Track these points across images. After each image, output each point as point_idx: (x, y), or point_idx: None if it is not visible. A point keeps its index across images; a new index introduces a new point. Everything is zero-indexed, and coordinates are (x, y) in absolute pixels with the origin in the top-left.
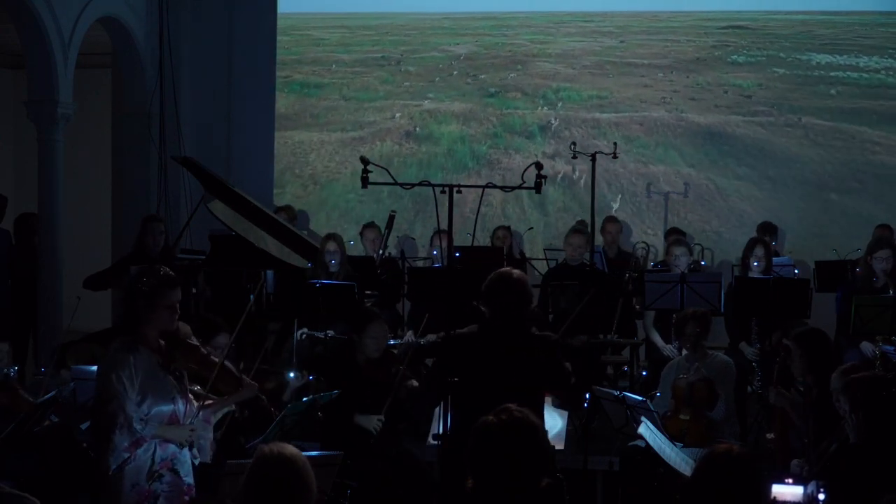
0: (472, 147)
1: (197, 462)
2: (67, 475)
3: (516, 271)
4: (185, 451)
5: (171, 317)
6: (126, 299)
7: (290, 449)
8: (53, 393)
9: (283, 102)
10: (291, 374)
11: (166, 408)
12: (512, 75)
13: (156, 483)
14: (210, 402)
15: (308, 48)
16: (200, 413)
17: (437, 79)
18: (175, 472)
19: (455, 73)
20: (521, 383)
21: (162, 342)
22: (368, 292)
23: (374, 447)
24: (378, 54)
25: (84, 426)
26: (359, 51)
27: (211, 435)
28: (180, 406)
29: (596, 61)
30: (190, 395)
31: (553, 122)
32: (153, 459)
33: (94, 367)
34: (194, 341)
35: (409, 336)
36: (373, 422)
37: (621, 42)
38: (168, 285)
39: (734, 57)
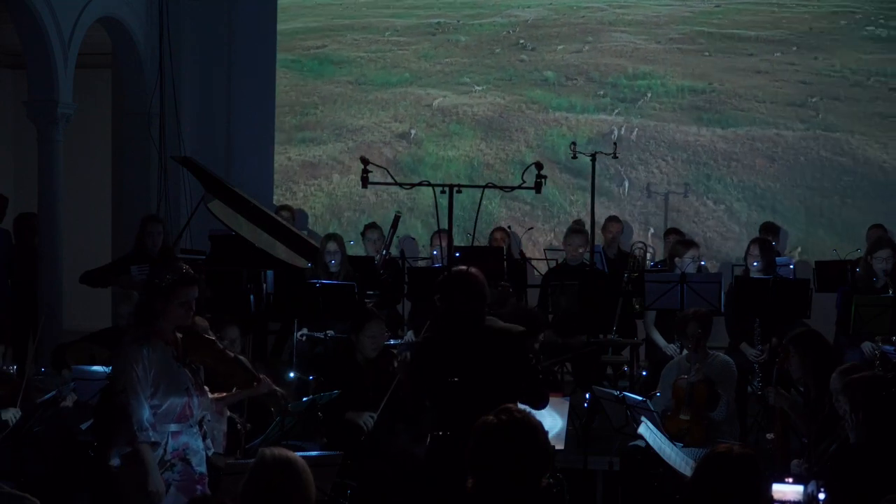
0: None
1: (210, 453)
2: (67, 475)
3: (472, 269)
4: (199, 440)
5: (187, 313)
6: (143, 293)
7: (288, 453)
8: (54, 393)
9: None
10: (291, 375)
11: (179, 400)
12: (576, 52)
13: (167, 472)
14: (224, 394)
15: (351, 9)
16: (213, 405)
17: (485, 53)
18: (187, 461)
19: (509, 45)
20: (484, 378)
21: (179, 335)
22: (370, 292)
23: (370, 445)
24: (434, 19)
25: (84, 426)
26: (416, 14)
27: (224, 427)
28: (194, 399)
29: (687, 32)
30: (205, 388)
31: (620, 134)
32: (165, 449)
33: (95, 367)
34: (211, 335)
35: (410, 336)
36: (364, 417)
37: (717, 7)
38: (185, 283)
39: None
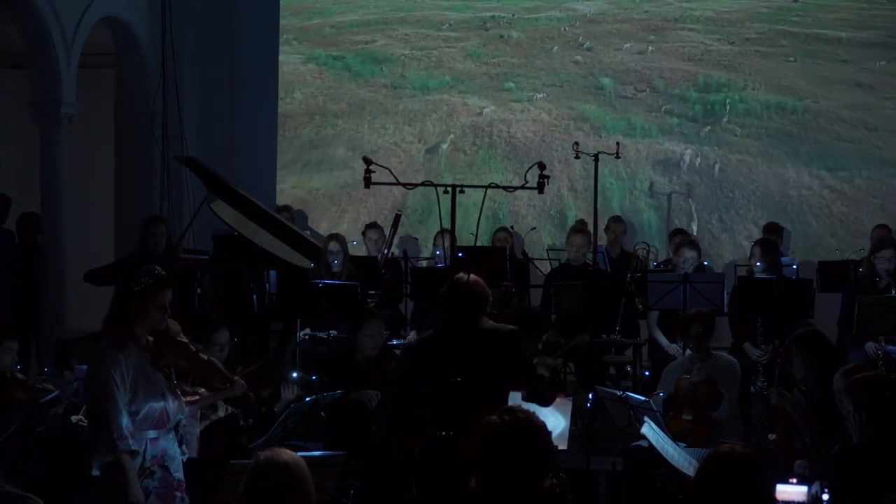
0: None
1: (185, 458)
2: (70, 475)
3: (472, 276)
4: (175, 446)
5: (162, 316)
6: (118, 297)
7: (286, 455)
8: (57, 392)
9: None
10: (294, 374)
11: (157, 405)
12: (638, 54)
13: (147, 480)
14: (196, 397)
15: (410, 1)
16: (188, 408)
17: (537, 52)
18: (165, 468)
19: (564, 43)
20: (480, 379)
21: (150, 339)
22: (372, 292)
23: (373, 441)
24: (489, 13)
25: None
26: (473, 7)
27: (198, 430)
28: (170, 403)
29: (766, 32)
30: (178, 392)
31: (693, 165)
32: (144, 456)
33: None
34: (183, 338)
35: (412, 336)
36: (369, 395)
37: (794, 1)
38: (161, 286)
39: None
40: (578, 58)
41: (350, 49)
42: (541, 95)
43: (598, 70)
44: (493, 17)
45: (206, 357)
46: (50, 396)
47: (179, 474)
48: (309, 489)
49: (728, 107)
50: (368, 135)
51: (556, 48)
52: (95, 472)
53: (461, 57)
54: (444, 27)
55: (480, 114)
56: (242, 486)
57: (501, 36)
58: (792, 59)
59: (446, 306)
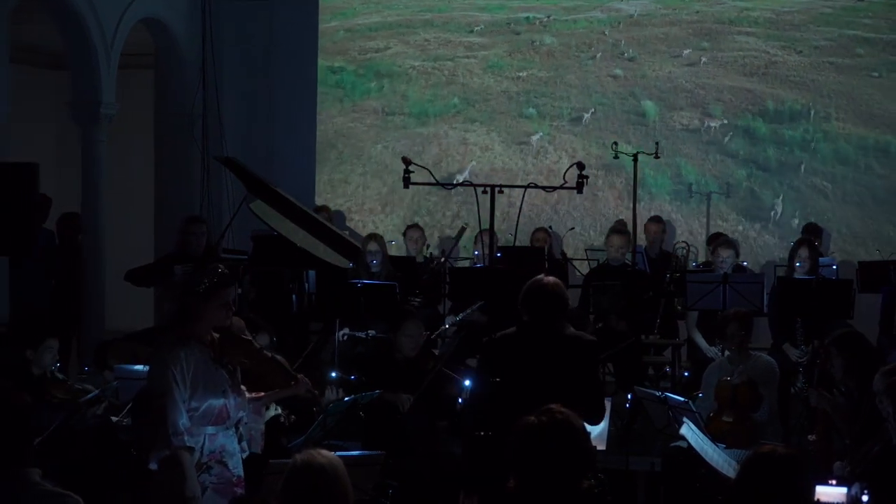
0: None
1: (246, 455)
2: (110, 474)
3: (551, 278)
4: (235, 442)
5: (227, 314)
6: (182, 295)
7: (321, 457)
8: (97, 392)
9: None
10: (333, 374)
11: (217, 402)
12: (688, 65)
13: (203, 475)
14: (262, 394)
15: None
16: (251, 405)
17: (571, 63)
18: (223, 463)
19: (603, 50)
20: (555, 383)
21: (215, 336)
22: (414, 297)
23: (410, 443)
24: (524, 13)
25: (126, 423)
26: (509, 7)
27: (262, 427)
28: (231, 400)
29: (835, 38)
30: (242, 388)
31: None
32: (201, 451)
33: (138, 367)
34: (247, 335)
35: (451, 319)
36: (402, 398)
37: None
38: (224, 284)
39: None
40: (618, 71)
41: (355, 59)
42: (566, 127)
43: (640, 88)
44: (527, 18)
45: (269, 355)
46: (89, 396)
47: (238, 470)
48: (346, 490)
49: (809, 148)
50: (324, 188)
51: (592, 59)
52: (153, 466)
53: (479, 70)
54: (472, 31)
55: (484, 157)
56: (280, 487)
57: (533, 42)
58: (876, 73)
59: (529, 307)
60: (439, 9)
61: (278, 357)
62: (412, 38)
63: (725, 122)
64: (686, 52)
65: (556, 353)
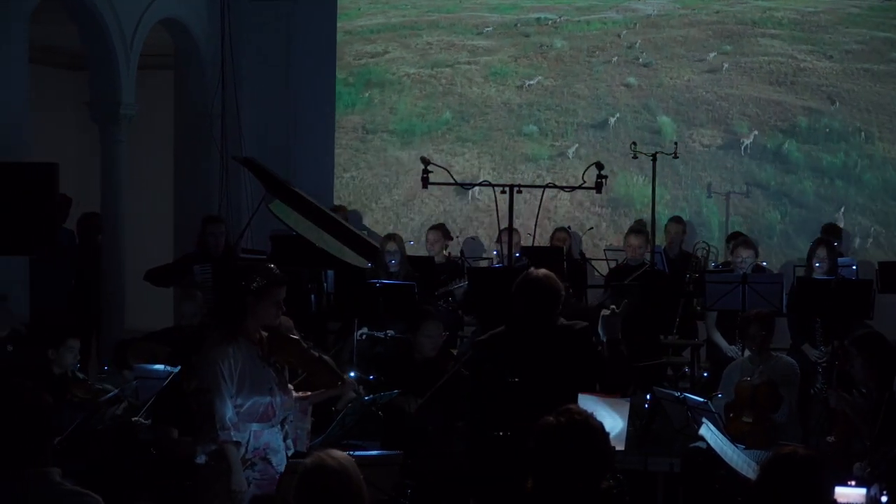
0: None
1: (291, 452)
2: (129, 473)
3: (542, 271)
4: (280, 440)
5: (277, 313)
6: (231, 294)
7: (332, 459)
8: (116, 392)
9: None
10: (352, 374)
11: (262, 399)
12: (709, 73)
13: (248, 471)
14: (308, 394)
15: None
16: (297, 404)
17: (581, 69)
18: (267, 460)
19: (616, 54)
20: (554, 377)
21: (263, 335)
22: (459, 283)
23: (428, 443)
24: (536, 13)
25: (146, 423)
26: (520, 6)
27: (308, 426)
28: (277, 398)
29: (866, 40)
30: (290, 388)
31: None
32: (246, 448)
33: (157, 366)
34: (295, 335)
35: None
36: (409, 400)
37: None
38: (277, 283)
39: None
40: (632, 80)
41: (348, 65)
42: (571, 148)
43: (656, 99)
44: (538, 19)
45: (317, 355)
46: (109, 395)
47: (282, 467)
48: (360, 492)
49: (854, 172)
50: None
51: (604, 64)
52: (200, 460)
53: (480, 78)
54: (479, 33)
55: (464, 201)
56: (294, 487)
57: (541, 46)
58: None
59: (519, 302)
60: (448, 9)
61: (325, 357)
62: (414, 42)
63: (751, 142)
64: (706, 56)
65: (549, 346)
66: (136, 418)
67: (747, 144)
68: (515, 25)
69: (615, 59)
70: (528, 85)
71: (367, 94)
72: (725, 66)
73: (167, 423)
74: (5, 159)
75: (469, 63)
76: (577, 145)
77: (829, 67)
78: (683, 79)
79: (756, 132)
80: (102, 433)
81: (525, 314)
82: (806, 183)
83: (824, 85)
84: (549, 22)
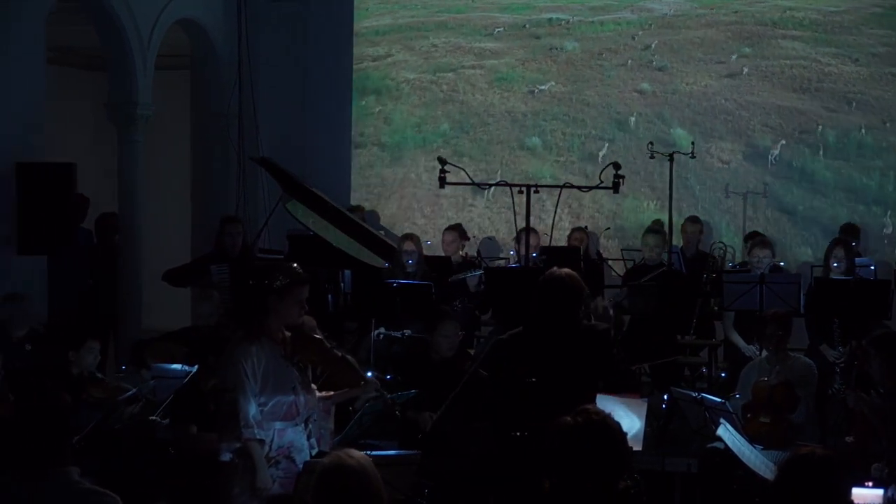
0: None
1: (315, 452)
2: (148, 473)
3: (565, 270)
4: (304, 439)
5: (300, 312)
6: (254, 293)
7: (351, 458)
8: (134, 391)
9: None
10: (369, 374)
11: (286, 398)
12: (728, 77)
13: (271, 469)
14: (331, 393)
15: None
16: (321, 404)
17: (592, 74)
18: (291, 459)
19: (630, 57)
20: (571, 377)
21: (286, 334)
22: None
23: (446, 444)
24: (548, 14)
25: (164, 422)
26: (533, 6)
27: (331, 426)
28: (301, 398)
29: (891, 42)
30: (313, 388)
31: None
32: (270, 446)
33: (175, 366)
34: (318, 335)
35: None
36: (424, 417)
37: None
38: (300, 282)
39: None
40: (645, 85)
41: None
42: (575, 165)
43: (671, 108)
44: (550, 20)
45: (340, 354)
46: (127, 395)
47: None
48: (379, 491)
49: (892, 199)
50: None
51: (617, 68)
52: (225, 458)
53: (485, 83)
54: (488, 34)
55: (449, 220)
56: (312, 486)
57: (552, 48)
58: None
59: (541, 301)
60: (458, 9)
61: (348, 357)
62: (419, 44)
63: (775, 159)
64: (725, 60)
65: (572, 347)
66: (153, 417)
67: (771, 162)
68: (525, 27)
69: (629, 61)
70: (535, 91)
71: (363, 102)
72: (745, 69)
73: (185, 423)
74: (23, 159)
75: (474, 67)
76: (580, 161)
77: (855, 72)
78: (700, 84)
79: (782, 143)
80: (120, 432)
81: (547, 314)
82: (839, 209)
83: (851, 92)
84: (562, 23)
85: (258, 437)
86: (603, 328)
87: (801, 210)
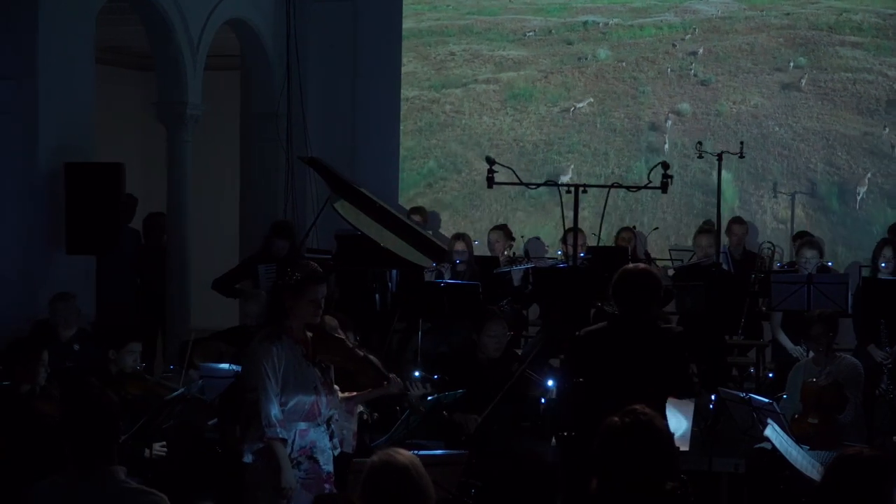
0: None
1: (337, 452)
2: (194, 472)
3: (641, 265)
4: (326, 439)
5: (315, 311)
6: (273, 292)
7: (400, 456)
8: (182, 390)
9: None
10: (416, 373)
11: (307, 398)
12: (781, 92)
13: (294, 469)
14: (354, 393)
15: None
16: (344, 405)
17: (625, 89)
18: (314, 459)
19: (671, 68)
20: (648, 379)
21: (308, 335)
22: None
23: (492, 444)
24: (583, 16)
25: (211, 422)
26: (571, 8)
27: (354, 426)
28: (322, 397)
29: None
30: (335, 388)
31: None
32: (291, 447)
33: (223, 365)
34: (340, 335)
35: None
36: (468, 420)
37: None
38: (315, 280)
39: None
40: (684, 106)
41: None
42: (589, 222)
43: (713, 136)
44: (586, 23)
45: (362, 354)
46: (174, 394)
47: (329, 467)
48: (426, 490)
49: None
50: None
51: (653, 81)
52: (247, 459)
53: (497, 102)
54: (516, 39)
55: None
56: (360, 486)
57: (581, 57)
58: None
59: (620, 297)
60: (491, 11)
61: (371, 357)
62: (434, 52)
63: (846, 210)
64: (777, 72)
65: (648, 347)
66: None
67: (845, 215)
68: (551, 32)
69: (669, 70)
70: (551, 115)
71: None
72: (802, 81)
73: (232, 422)
74: (72, 159)
75: (488, 82)
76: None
77: None
78: (749, 104)
79: (847, 183)
80: (167, 431)
81: (624, 312)
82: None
83: None
84: (598, 25)
85: (280, 436)
86: (678, 331)
87: (848, 211)
